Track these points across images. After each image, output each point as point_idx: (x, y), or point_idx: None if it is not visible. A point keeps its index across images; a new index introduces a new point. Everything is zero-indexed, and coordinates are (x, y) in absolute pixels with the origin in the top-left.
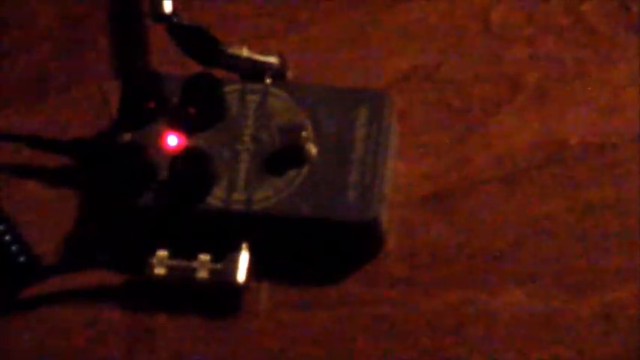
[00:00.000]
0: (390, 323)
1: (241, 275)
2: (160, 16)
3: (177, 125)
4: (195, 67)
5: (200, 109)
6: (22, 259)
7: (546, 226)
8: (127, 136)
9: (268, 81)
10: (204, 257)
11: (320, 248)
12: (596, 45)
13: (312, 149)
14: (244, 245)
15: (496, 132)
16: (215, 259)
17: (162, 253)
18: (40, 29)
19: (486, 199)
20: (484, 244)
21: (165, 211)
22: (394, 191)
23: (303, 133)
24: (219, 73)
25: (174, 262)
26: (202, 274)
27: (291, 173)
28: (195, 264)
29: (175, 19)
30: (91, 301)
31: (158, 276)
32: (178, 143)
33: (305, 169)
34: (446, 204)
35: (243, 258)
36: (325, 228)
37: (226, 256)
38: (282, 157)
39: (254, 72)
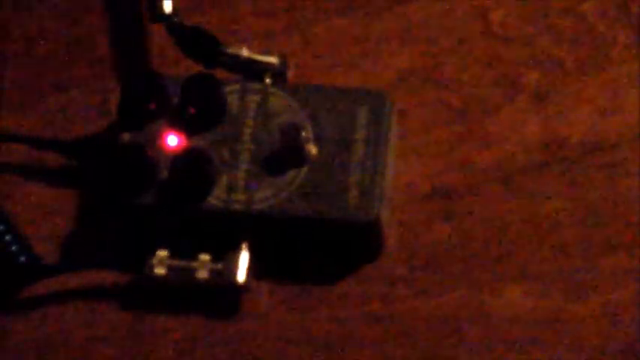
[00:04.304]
0: (389, 323)
1: (241, 275)
2: (160, 16)
3: (177, 125)
4: (195, 67)
5: (200, 109)
6: (22, 259)
7: (546, 226)
8: (127, 136)
9: (268, 81)
10: (204, 257)
11: (320, 248)
12: (596, 45)
13: (312, 149)
14: (244, 245)
15: (496, 132)
16: (215, 259)
17: (163, 253)
18: (40, 29)
19: (486, 199)
20: (484, 244)
21: (165, 211)
22: (394, 191)
23: (303, 133)
24: (219, 73)
25: (174, 262)
26: (202, 274)
27: (291, 173)
28: (195, 264)
29: (175, 19)
30: (91, 301)
31: (158, 276)
32: (178, 143)
33: (305, 169)
34: (446, 204)
35: (243, 258)
36: (325, 228)
37: (226, 256)
38: (282, 157)
39: (254, 72)
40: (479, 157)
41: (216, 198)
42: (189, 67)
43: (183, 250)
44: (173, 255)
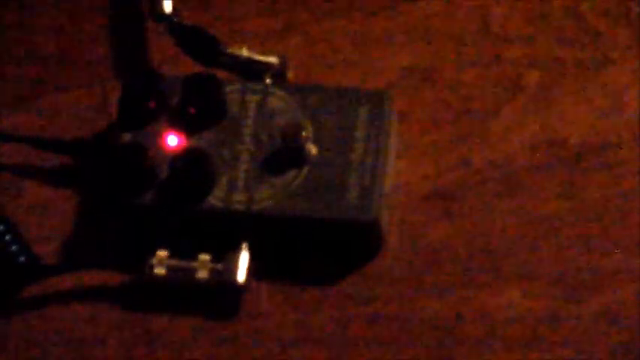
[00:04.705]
0: (390, 323)
1: (241, 275)
2: (160, 16)
3: (177, 125)
4: (195, 67)
5: (200, 109)
6: (22, 259)
7: (546, 226)
8: (127, 136)
9: (268, 81)
10: (204, 257)
11: (320, 248)
12: (596, 45)
13: (312, 149)
14: (244, 245)
15: (496, 132)
16: (215, 259)
17: (162, 253)
18: (40, 29)
19: (486, 199)
20: (484, 244)
21: (165, 211)
22: (394, 191)
23: (303, 133)
24: (219, 73)
25: (174, 262)
26: (202, 274)
27: (291, 173)
28: (195, 264)
29: (175, 19)
30: (91, 301)
31: (158, 276)
32: (178, 143)
33: (305, 169)
34: (446, 204)
35: (243, 258)
36: (325, 228)
37: (226, 256)
38: (282, 157)
39: (254, 72)
40: (479, 157)
41: (216, 198)
42: (189, 67)
43: (183, 250)
44: (173, 255)
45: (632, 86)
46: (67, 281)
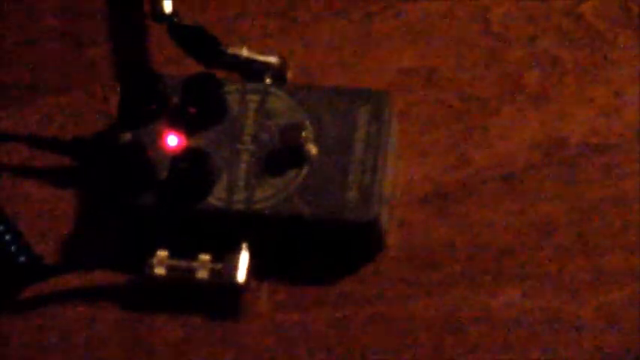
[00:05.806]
0: (390, 323)
1: (241, 275)
2: (160, 16)
3: (177, 125)
4: (195, 67)
5: (200, 109)
6: (22, 259)
7: (546, 226)
8: (127, 136)
9: (268, 81)
10: (204, 257)
11: (320, 248)
12: (596, 45)
13: (312, 149)
14: (244, 245)
15: (496, 132)
16: (215, 259)
17: (163, 253)
18: (40, 29)
19: (486, 199)
20: (484, 244)
21: (165, 211)
22: (394, 191)
23: (303, 133)
24: (219, 73)
25: (174, 262)
26: (202, 274)
27: (291, 173)
28: (195, 264)
29: (175, 19)
30: (91, 301)
31: (158, 276)
32: (178, 143)
33: (305, 169)
34: (446, 204)
35: (243, 258)
36: (325, 228)
37: (226, 256)
38: (282, 157)
39: (254, 72)
40: (479, 157)
41: (216, 198)
42: (190, 67)
43: (183, 250)
44: (173, 255)
45: (632, 86)
46: (67, 281)
